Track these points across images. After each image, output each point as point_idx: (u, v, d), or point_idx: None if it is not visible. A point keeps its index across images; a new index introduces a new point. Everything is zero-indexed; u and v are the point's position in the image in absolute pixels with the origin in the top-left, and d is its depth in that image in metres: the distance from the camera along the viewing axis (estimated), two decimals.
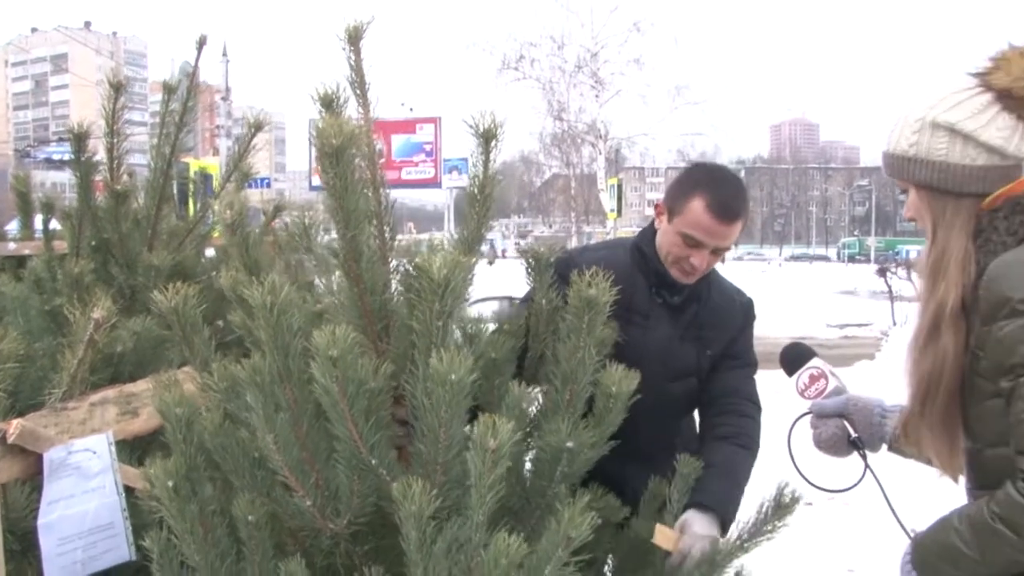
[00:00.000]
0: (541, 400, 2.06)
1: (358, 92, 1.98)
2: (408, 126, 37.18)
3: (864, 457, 2.05)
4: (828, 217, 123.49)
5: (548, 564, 1.58)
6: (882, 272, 17.82)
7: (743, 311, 2.62)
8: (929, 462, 1.91)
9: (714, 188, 2.39)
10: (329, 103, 1.96)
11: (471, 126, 1.96)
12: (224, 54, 21.86)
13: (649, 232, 2.57)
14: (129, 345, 2.81)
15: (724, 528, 2.29)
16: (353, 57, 1.97)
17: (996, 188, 1.68)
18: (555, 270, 2.23)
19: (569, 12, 28.64)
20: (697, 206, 2.36)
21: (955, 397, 1.69)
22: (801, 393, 2.11)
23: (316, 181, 26.14)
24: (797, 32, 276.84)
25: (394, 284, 1.96)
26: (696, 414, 2.70)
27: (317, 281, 2.28)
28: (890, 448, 2.06)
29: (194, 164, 3.54)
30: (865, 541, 5.55)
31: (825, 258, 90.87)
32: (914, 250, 57.70)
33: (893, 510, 2.00)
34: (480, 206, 2.00)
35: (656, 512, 2.31)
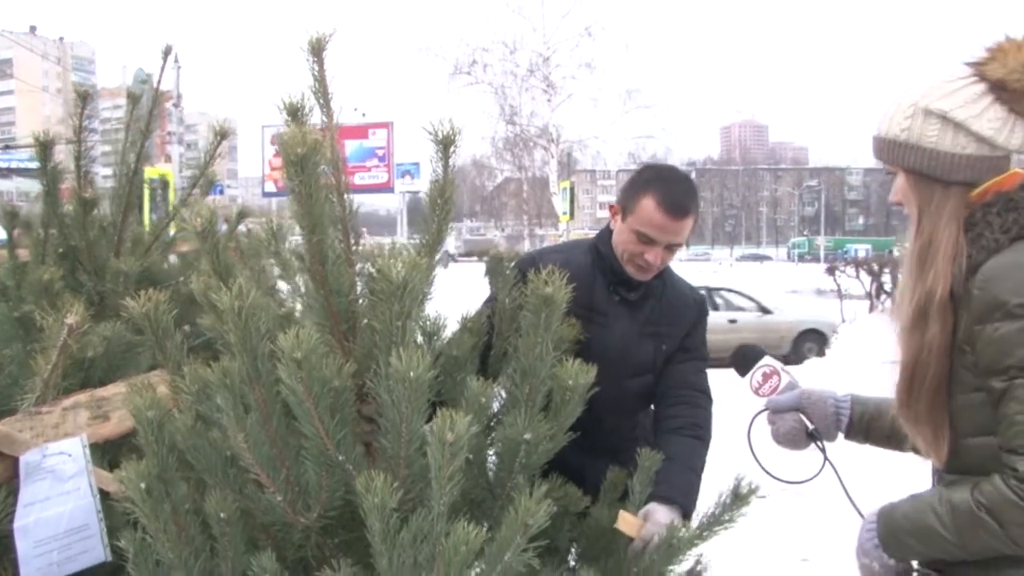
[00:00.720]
0: (504, 395, 2.12)
1: (321, 101, 2.04)
2: (360, 131, 36.97)
3: (822, 449, 2.10)
4: (778, 217, 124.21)
5: (507, 550, 1.64)
6: (831, 271, 18.17)
7: (697, 307, 2.72)
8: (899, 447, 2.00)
9: (664, 186, 2.48)
10: (295, 112, 2.02)
11: (430, 132, 2.01)
12: (175, 60, 21.64)
13: (606, 233, 2.65)
14: (100, 350, 2.82)
15: (686, 518, 2.36)
16: (316, 67, 2.03)
17: (984, 178, 1.70)
18: (518, 270, 2.30)
19: (521, 17, 28.79)
20: (648, 204, 2.45)
21: (943, 385, 1.71)
22: (756, 391, 2.16)
23: (269, 187, 25.98)
24: (746, 35, 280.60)
25: (359, 286, 2.01)
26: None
27: (281, 285, 2.35)
28: (847, 436, 2.11)
29: (150, 171, 3.55)
30: (818, 531, 5.65)
31: (767, 258, 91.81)
32: (863, 249, 58.72)
33: (850, 497, 2.06)
34: (440, 210, 2.05)
35: (616, 501, 2.37)
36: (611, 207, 2.65)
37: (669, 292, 2.68)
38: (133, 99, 3.55)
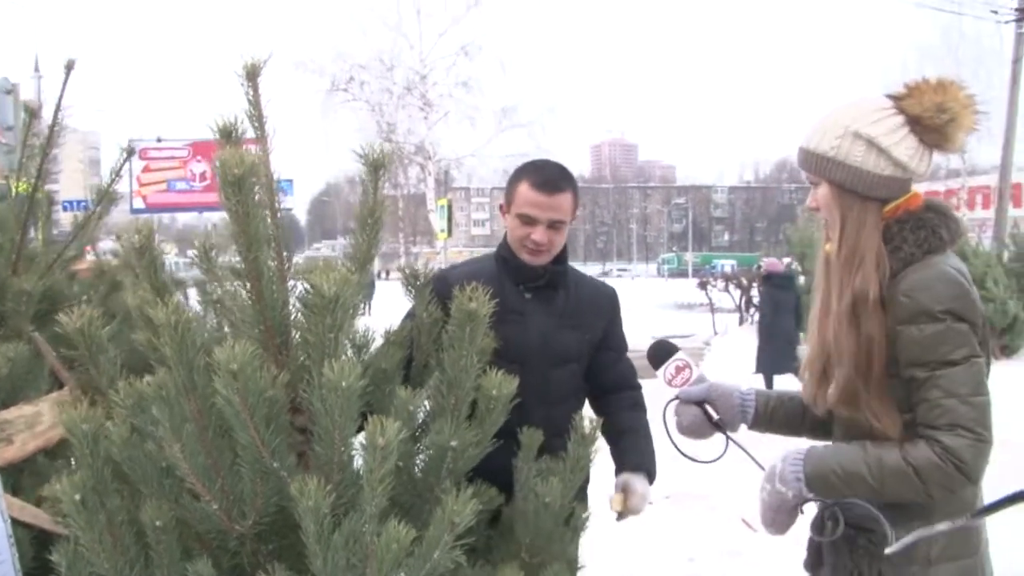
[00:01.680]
0: (428, 405, 2.18)
1: (256, 125, 2.09)
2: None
3: (727, 436, 2.28)
4: (648, 234, 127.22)
5: (436, 549, 1.70)
6: (703, 285, 18.79)
7: (609, 299, 2.89)
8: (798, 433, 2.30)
9: (535, 169, 2.72)
10: (228, 134, 2.07)
11: (360, 156, 2.12)
12: (36, 69, 20.67)
13: (504, 240, 2.79)
14: (4, 371, 2.74)
15: (651, 479, 2.76)
16: (251, 92, 2.09)
17: (894, 196, 1.97)
18: (432, 287, 2.40)
19: (398, 35, 28.55)
20: (523, 187, 2.66)
21: (884, 371, 1.94)
22: (668, 382, 2.30)
23: (137, 203, 25.13)
24: (617, 57, 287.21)
25: (292, 301, 2.05)
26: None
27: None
28: (750, 427, 2.30)
29: (19, 186, 3.48)
30: (703, 533, 5.92)
31: (625, 270, 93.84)
32: (728, 264, 60.74)
33: (753, 457, 2.25)
34: (370, 229, 2.13)
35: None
36: (500, 207, 2.81)
37: (581, 286, 2.84)
38: (31, 113, 3.50)
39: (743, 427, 2.32)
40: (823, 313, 2.08)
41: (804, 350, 2.26)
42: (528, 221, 2.66)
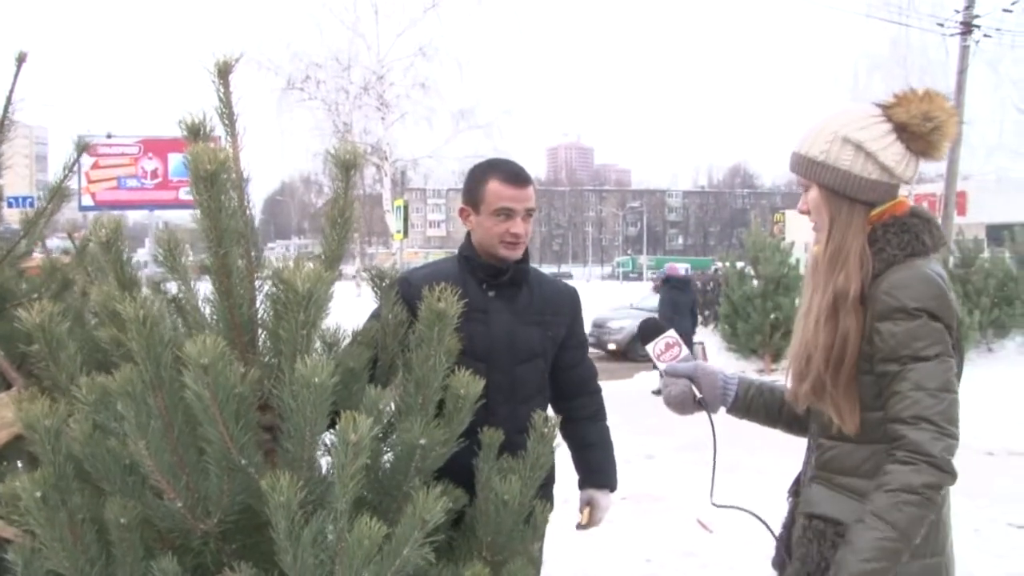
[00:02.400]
0: (394, 405, 2.18)
1: (226, 123, 2.09)
2: (186, 145, 35.45)
3: (709, 417, 2.34)
4: (603, 237, 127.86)
5: (406, 546, 1.70)
6: (658, 289, 18.88)
7: (571, 297, 2.94)
8: (776, 423, 2.37)
9: (500, 165, 2.78)
10: (197, 131, 2.05)
11: (332, 155, 2.10)
12: None
13: (465, 240, 2.83)
14: None
15: (613, 492, 2.95)
16: (222, 90, 2.09)
17: (881, 201, 2.04)
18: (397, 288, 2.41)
19: (355, 35, 28.28)
20: (495, 185, 2.70)
21: (855, 369, 2.00)
22: (657, 357, 2.34)
23: (86, 200, 24.65)
24: (574, 61, 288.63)
25: (259, 299, 2.06)
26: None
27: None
28: (729, 411, 2.37)
29: None
30: (660, 534, 5.96)
31: (569, 275, 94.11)
32: (682, 267, 61.12)
33: (715, 462, 2.33)
34: (340, 228, 2.13)
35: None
36: (461, 211, 2.83)
37: (543, 284, 2.89)
38: None
39: (722, 409, 2.37)
40: (806, 311, 2.13)
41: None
42: (507, 215, 2.70)
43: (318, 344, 1.99)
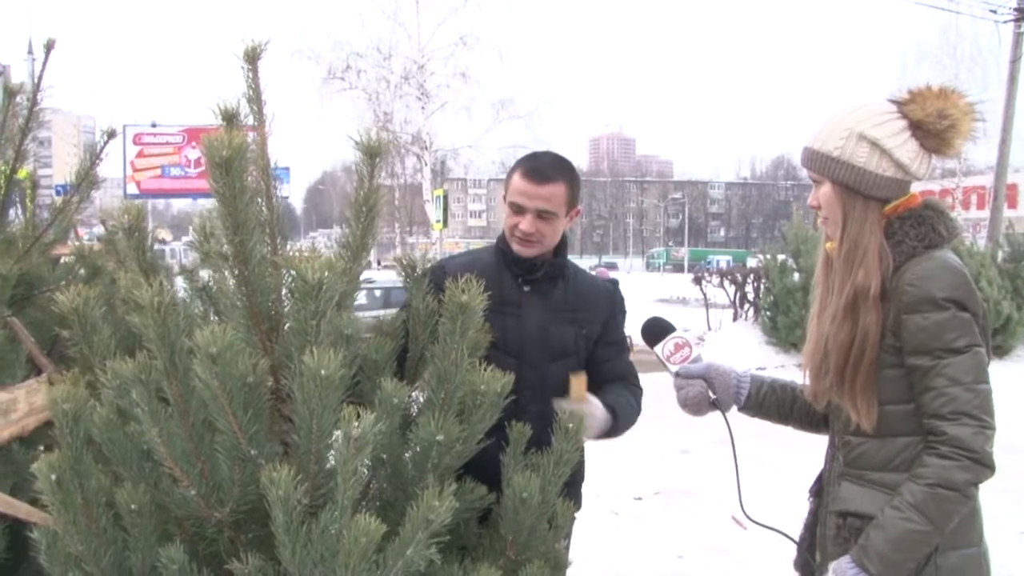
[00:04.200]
0: (422, 399, 2.13)
1: (255, 108, 2.06)
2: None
3: (724, 417, 2.31)
4: (644, 228, 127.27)
5: (410, 546, 1.66)
6: (698, 281, 18.73)
7: (608, 293, 2.81)
8: (787, 421, 2.36)
9: (530, 159, 2.67)
10: (230, 117, 2.04)
11: (356, 142, 2.06)
12: (29, 52, 20.47)
13: (503, 231, 2.73)
14: None
15: (611, 432, 2.62)
16: (251, 75, 2.05)
17: (894, 197, 2.03)
18: (429, 277, 2.35)
19: (396, 24, 28.28)
20: (516, 176, 2.62)
21: (874, 365, 1.99)
22: (667, 359, 2.32)
23: (131, 189, 25.01)
24: (616, 51, 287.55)
25: (284, 288, 2.01)
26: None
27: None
28: (741, 409, 2.34)
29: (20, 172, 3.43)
30: (691, 530, 5.86)
31: (614, 265, 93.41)
32: (724, 260, 60.73)
33: (737, 470, 2.32)
34: (365, 217, 2.09)
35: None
36: (503, 197, 2.75)
37: (578, 280, 2.78)
38: (11, 93, 3.44)
39: (734, 408, 2.36)
40: (821, 308, 2.13)
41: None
42: (517, 210, 2.62)
43: (331, 335, 1.93)
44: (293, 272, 1.82)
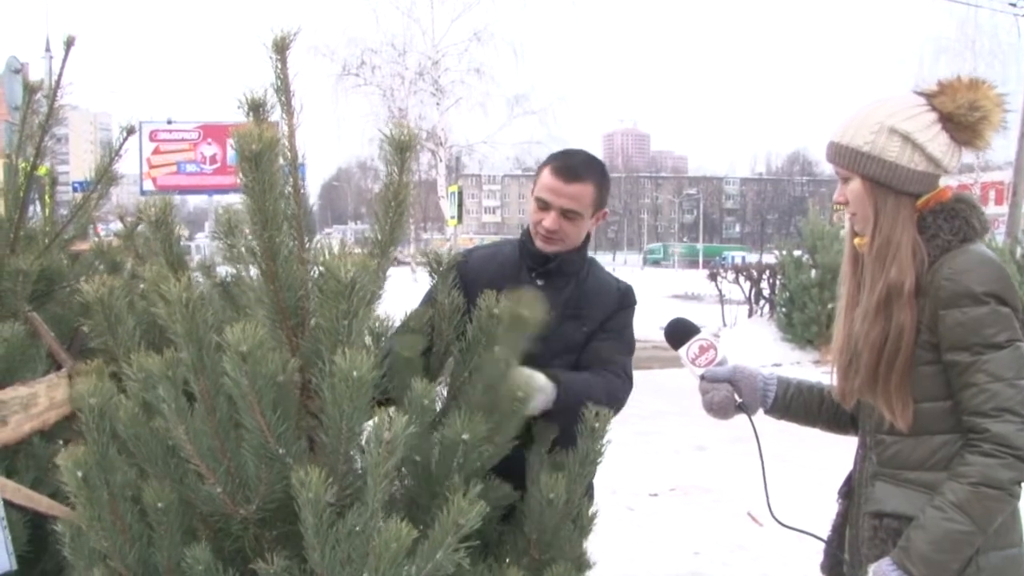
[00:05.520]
0: (444, 394, 2.12)
1: (283, 99, 2.02)
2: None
3: (751, 420, 2.27)
4: (659, 224, 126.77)
5: (440, 549, 1.62)
6: (713, 276, 18.63)
7: (619, 294, 2.76)
8: (813, 424, 2.34)
9: (562, 156, 2.65)
10: (257, 108, 2.01)
11: (385, 136, 2.01)
12: (47, 49, 20.55)
13: (528, 225, 2.72)
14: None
15: (557, 394, 2.39)
16: (279, 66, 2.02)
17: (925, 191, 2.00)
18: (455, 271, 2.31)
19: (411, 20, 28.29)
20: (545, 172, 2.59)
21: (909, 363, 1.95)
22: (692, 361, 2.27)
23: (147, 186, 25.12)
24: (630, 46, 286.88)
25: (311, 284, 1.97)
26: None
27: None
28: (767, 412, 2.31)
29: (23, 165, 3.45)
30: (708, 527, 5.83)
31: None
32: (738, 256, 60.41)
33: (764, 474, 2.28)
34: (393, 212, 2.04)
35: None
36: (532, 192, 2.72)
37: (591, 279, 2.74)
38: (32, 89, 3.46)
39: (760, 411, 2.32)
40: (850, 306, 2.09)
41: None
42: (543, 206, 2.59)
43: (365, 335, 1.91)
44: (322, 269, 1.80)
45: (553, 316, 2.59)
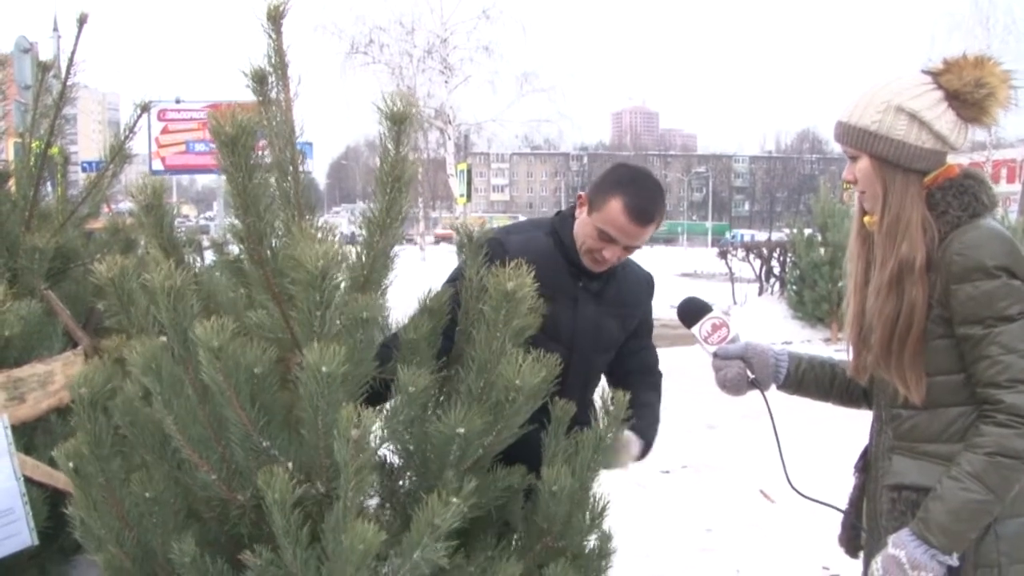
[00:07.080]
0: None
1: (279, 72, 1.96)
2: (252, 110, 35.84)
3: (764, 396, 2.27)
4: (668, 202, 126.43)
5: (416, 549, 1.56)
6: (723, 254, 18.55)
7: (648, 285, 2.78)
8: (826, 398, 2.36)
9: (633, 190, 2.43)
10: (261, 79, 1.95)
11: (380, 109, 1.90)
12: (55, 29, 20.51)
13: (568, 219, 2.61)
14: (16, 329, 2.67)
15: (647, 451, 2.67)
16: (274, 37, 1.95)
17: (932, 168, 1.99)
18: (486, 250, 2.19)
19: None
20: (615, 206, 2.41)
21: (921, 337, 1.95)
22: (705, 339, 2.27)
23: (156, 165, 25.09)
24: (638, 24, 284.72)
25: None
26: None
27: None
28: (780, 387, 2.31)
29: (35, 144, 3.46)
30: (719, 504, 5.77)
31: None
32: (747, 234, 60.21)
33: (780, 448, 2.28)
34: (391, 188, 1.93)
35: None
36: (579, 197, 2.60)
37: (627, 274, 2.71)
38: (44, 68, 3.46)
39: (772, 387, 2.31)
40: (861, 283, 2.10)
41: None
42: (607, 239, 2.47)
43: (339, 325, 1.79)
44: (288, 259, 1.71)
45: (598, 313, 2.59)
